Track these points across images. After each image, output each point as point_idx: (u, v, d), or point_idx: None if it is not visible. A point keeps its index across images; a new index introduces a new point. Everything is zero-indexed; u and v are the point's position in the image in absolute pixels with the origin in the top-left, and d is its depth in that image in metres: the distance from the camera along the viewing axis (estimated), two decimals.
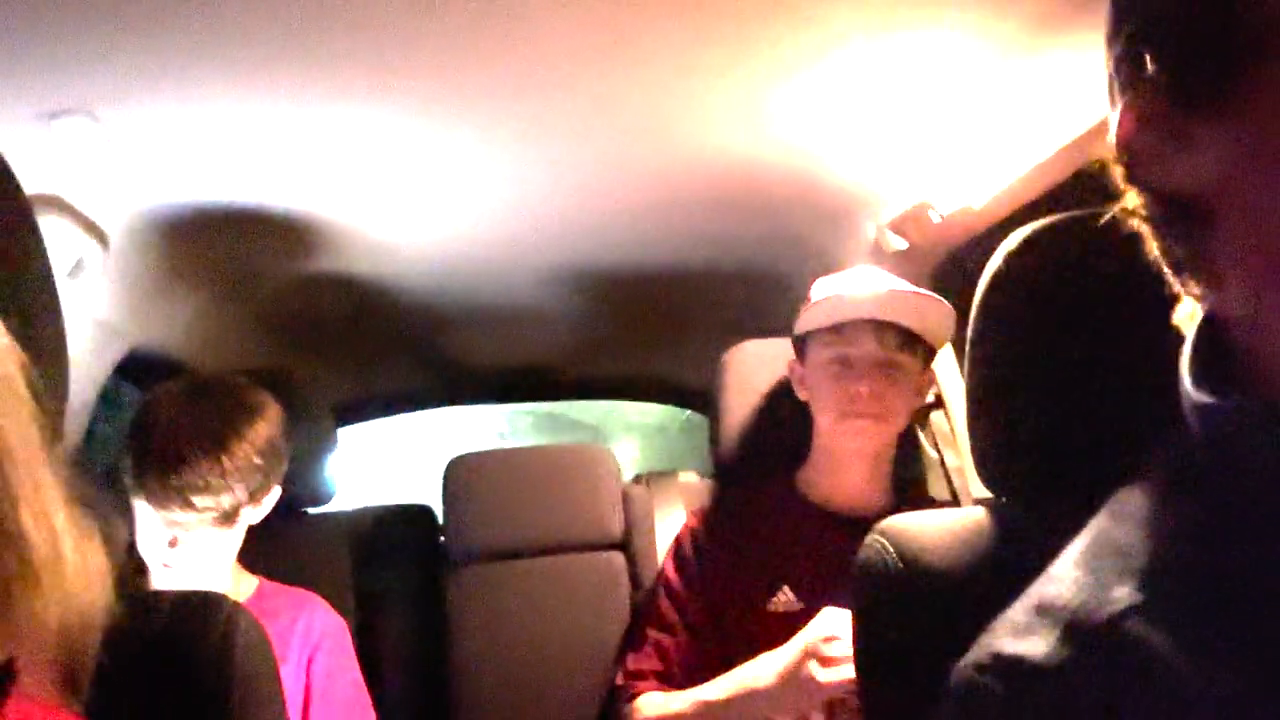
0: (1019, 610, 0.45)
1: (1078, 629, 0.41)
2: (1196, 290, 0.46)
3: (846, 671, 1.10)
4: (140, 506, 1.23)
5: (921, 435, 1.66)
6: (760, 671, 1.21)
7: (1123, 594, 0.42)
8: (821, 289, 1.38)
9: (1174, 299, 0.48)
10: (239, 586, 1.38)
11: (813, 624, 1.17)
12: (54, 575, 0.44)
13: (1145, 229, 0.47)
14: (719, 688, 1.26)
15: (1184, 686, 0.38)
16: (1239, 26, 0.40)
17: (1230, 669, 0.38)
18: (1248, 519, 0.42)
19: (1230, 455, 0.44)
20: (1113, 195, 0.48)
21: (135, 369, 1.61)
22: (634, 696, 1.34)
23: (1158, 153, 0.44)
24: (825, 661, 1.13)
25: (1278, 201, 0.40)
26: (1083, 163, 1.14)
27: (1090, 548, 0.46)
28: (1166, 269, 0.47)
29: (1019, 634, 0.43)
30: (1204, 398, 0.44)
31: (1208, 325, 0.47)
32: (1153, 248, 0.47)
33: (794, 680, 1.15)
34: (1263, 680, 0.38)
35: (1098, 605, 0.42)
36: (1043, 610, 0.43)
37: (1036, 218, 0.73)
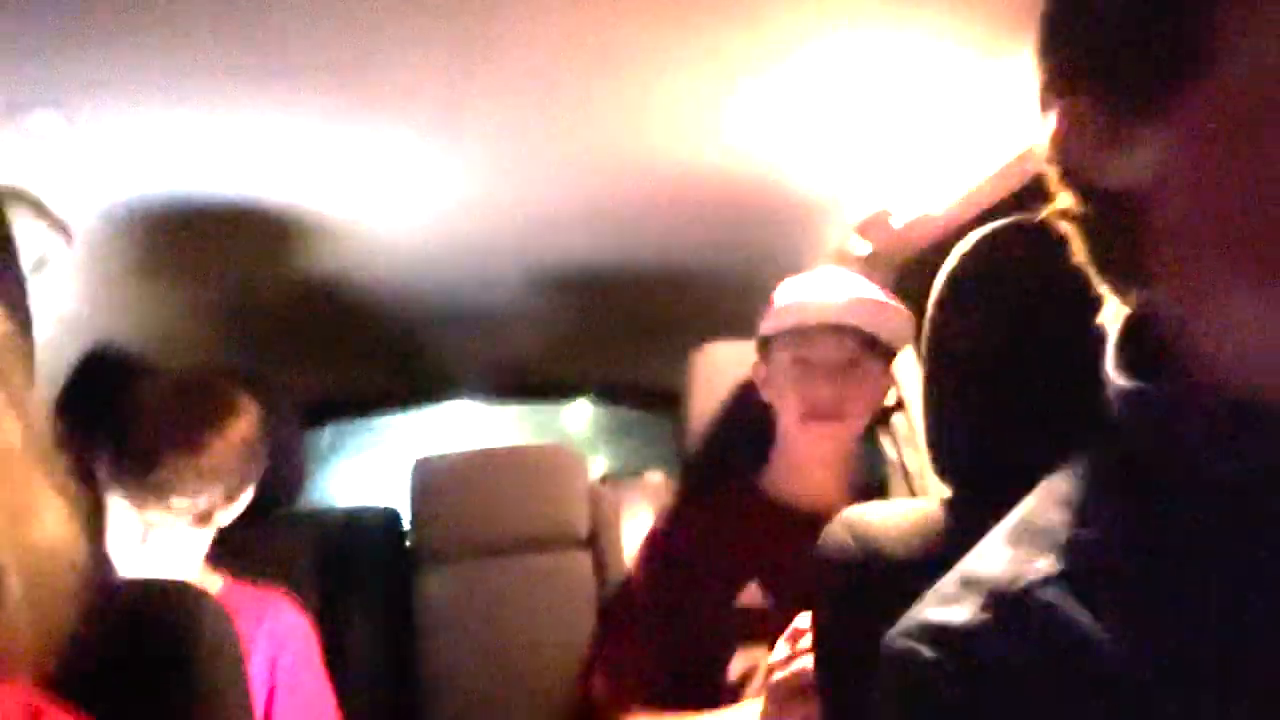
0: (947, 583, 0.47)
1: (997, 596, 0.44)
2: (1123, 288, 0.49)
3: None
4: (114, 502, 1.23)
5: (882, 437, 1.69)
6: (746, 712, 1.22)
7: (1043, 565, 0.44)
8: (785, 293, 1.41)
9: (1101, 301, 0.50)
10: (205, 585, 1.37)
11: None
12: (31, 562, 0.45)
13: (1073, 230, 0.49)
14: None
15: (1103, 657, 0.40)
16: (1181, 36, 0.42)
17: (1152, 645, 0.41)
18: (1169, 500, 0.45)
19: (1152, 438, 0.46)
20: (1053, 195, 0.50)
21: (98, 366, 1.59)
22: (617, 706, 1.35)
23: (1091, 155, 0.46)
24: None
25: (1212, 202, 0.42)
26: (1039, 168, 1.17)
27: (1017, 525, 0.48)
28: (1092, 269, 0.49)
29: (945, 603, 0.45)
30: (1128, 383, 0.46)
31: (1133, 321, 0.49)
32: (1078, 249, 0.49)
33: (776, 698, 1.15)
34: (1185, 659, 0.40)
35: (1017, 575, 0.44)
36: (967, 582, 0.46)
37: (995, 222, 0.76)
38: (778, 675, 1.08)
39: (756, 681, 1.27)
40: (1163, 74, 0.43)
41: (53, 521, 0.47)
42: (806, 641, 1.13)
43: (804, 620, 1.15)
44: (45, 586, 0.46)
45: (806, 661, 1.07)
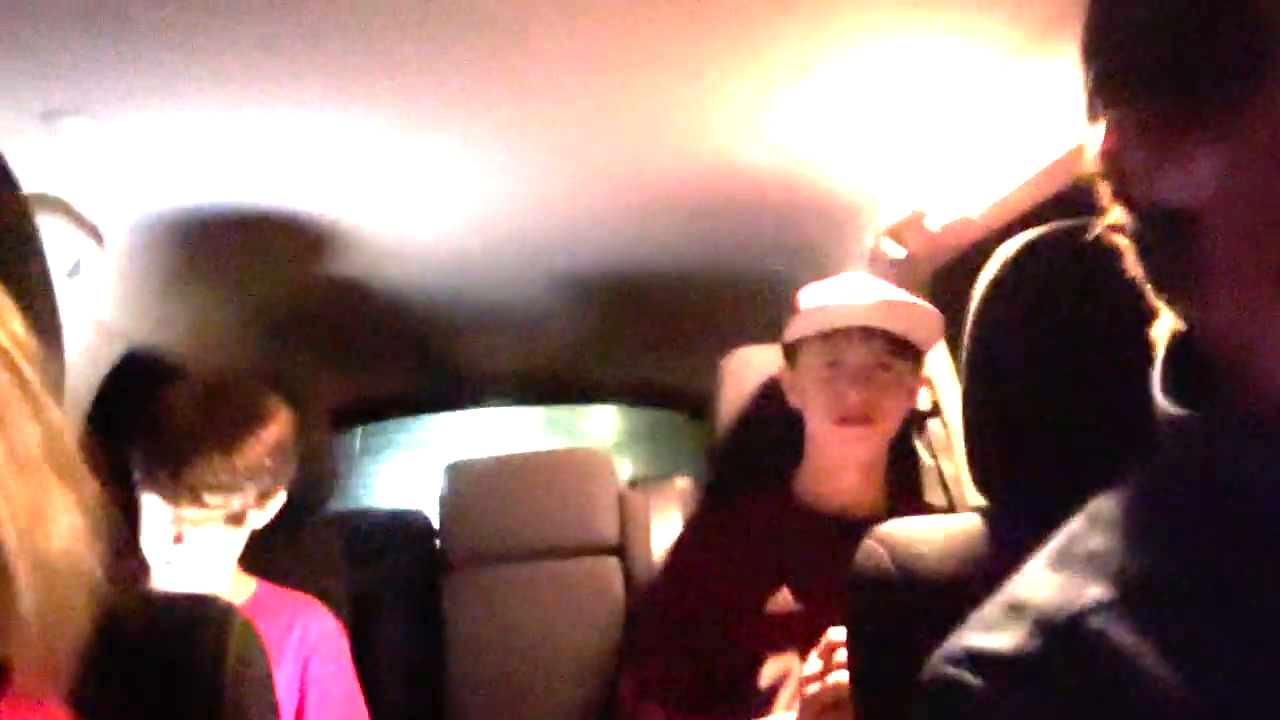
0: (991, 608, 0.45)
1: (1045, 624, 0.42)
2: (1175, 305, 0.46)
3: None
4: (148, 501, 1.24)
5: (918, 443, 1.67)
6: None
7: (1093, 592, 0.42)
8: (810, 297, 1.39)
9: (1154, 313, 0.48)
10: (238, 589, 1.38)
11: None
12: (44, 572, 0.44)
13: (1126, 243, 0.47)
14: None
15: (1157, 687, 0.39)
16: (1245, 45, 0.40)
17: (1208, 674, 0.39)
18: (1223, 530, 0.43)
19: (1200, 466, 0.44)
20: (1103, 207, 0.48)
21: (133, 370, 1.61)
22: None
23: (1145, 168, 0.44)
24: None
25: (1271, 217, 0.41)
26: (1080, 173, 1.14)
27: (1063, 549, 0.46)
28: (1147, 283, 0.47)
29: (990, 629, 0.44)
30: (1175, 410, 0.44)
31: (1181, 340, 0.47)
32: (1131, 263, 0.47)
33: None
34: (1243, 694, 0.38)
35: (1066, 602, 0.42)
36: (1013, 607, 0.44)
37: (1034, 227, 0.74)
38: (811, 689, 1.06)
39: (789, 689, 1.25)
40: (1225, 84, 0.41)
41: (69, 531, 0.46)
42: (841, 655, 1.11)
43: (838, 633, 1.13)
44: (58, 596, 0.45)
45: (841, 676, 1.05)
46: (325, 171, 1.35)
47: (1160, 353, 0.48)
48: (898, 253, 1.51)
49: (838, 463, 1.38)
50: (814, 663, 1.08)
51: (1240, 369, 0.43)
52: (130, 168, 1.26)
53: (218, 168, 1.30)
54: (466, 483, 1.83)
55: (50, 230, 1.24)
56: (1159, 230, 0.45)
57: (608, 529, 1.81)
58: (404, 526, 1.84)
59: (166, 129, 1.17)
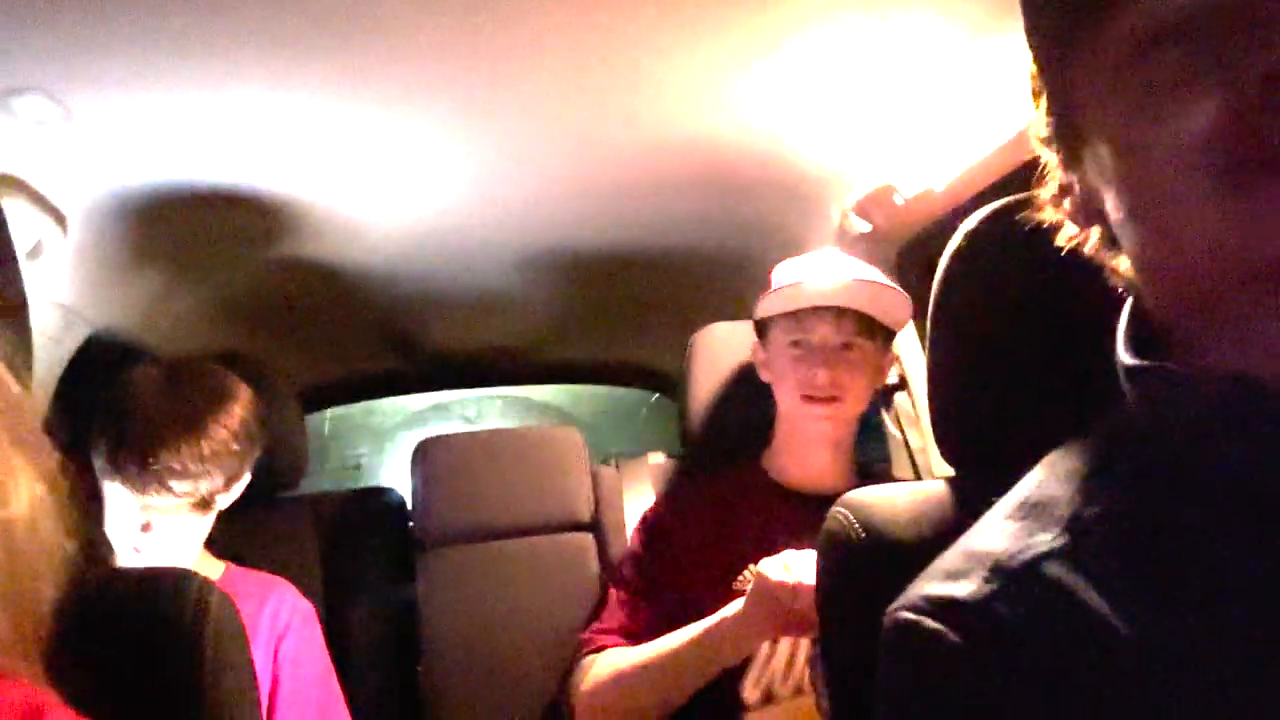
0: (949, 558, 0.47)
1: (1000, 570, 0.44)
2: (1110, 266, 0.49)
3: (803, 576, 1.13)
4: (113, 489, 1.22)
5: (885, 416, 1.69)
6: (723, 613, 1.23)
7: (1045, 539, 0.44)
8: (782, 275, 1.40)
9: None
10: (205, 572, 1.37)
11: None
12: (5, 544, 0.44)
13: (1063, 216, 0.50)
14: (682, 633, 1.26)
15: (1107, 630, 0.40)
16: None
17: (1157, 618, 0.40)
18: (1175, 477, 0.44)
19: (1156, 415, 0.46)
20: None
21: (95, 354, 1.59)
22: (598, 650, 1.35)
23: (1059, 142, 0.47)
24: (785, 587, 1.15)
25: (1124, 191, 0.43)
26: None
27: (1020, 501, 0.48)
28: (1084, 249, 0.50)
29: (948, 577, 0.45)
30: (1132, 360, 0.46)
31: (1139, 302, 0.49)
32: (1065, 234, 0.50)
33: (761, 597, 1.16)
34: (1190, 635, 0.40)
35: (1020, 549, 0.44)
36: (970, 556, 0.46)
37: (1000, 199, 0.75)
38: (772, 579, 1.13)
39: (754, 669, 1.27)
40: (1056, 34, 0.46)
41: (30, 504, 0.46)
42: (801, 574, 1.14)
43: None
44: (20, 565, 0.45)
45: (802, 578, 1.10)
46: (290, 153, 1.33)
47: (1123, 315, 0.49)
48: (864, 228, 1.52)
49: (807, 439, 1.40)
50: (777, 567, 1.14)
51: (1173, 329, 0.45)
52: (91, 147, 1.24)
53: (181, 148, 1.28)
54: (437, 461, 1.83)
55: (11, 212, 1.22)
56: (1082, 200, 0.48)
57: (580, 506, 1.82)
58: (376, 506, 1.84)
59: (127, 108, 1.15)
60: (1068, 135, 0.46)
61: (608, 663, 1.32)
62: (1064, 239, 0.50)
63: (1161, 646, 0.40)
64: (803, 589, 1.12)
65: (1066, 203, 0.49)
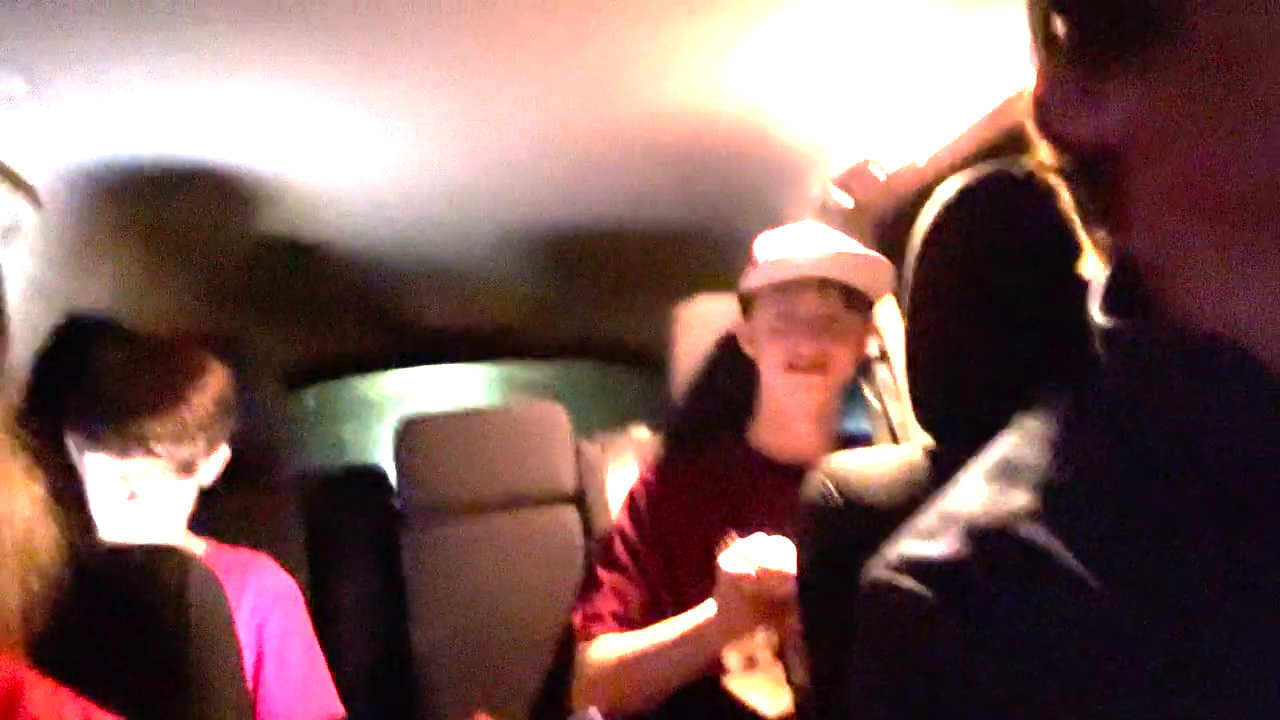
0: (925, 518, 0.48)
1: (974, 531, 0.44)
2: (1102, 237, 0.49)
3: (764, 561, 1.15)
4: (93, 461, 1.23)
5: (866, 388, 1.70)
6: (705, 606, 1.25)
7: (1020, 501, 0.45)
8: (765, 248, 1.41)
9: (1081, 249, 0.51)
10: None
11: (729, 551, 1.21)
12: (8, 532, 0.44)
13: (1057, 180, 0.50)
14: (671, 627, 1.29)
15: (1079, 594, 0.41)
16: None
17: (1129, 582, 0.41)
18: (1148, 438, 0.45)
19: (1136, 377, 0.46)
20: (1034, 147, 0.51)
21: (71, 333, 1.57)
22: (591, 637, 1.37)
23: (1065, 109, 0.47)
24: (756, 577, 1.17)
25: (1184, 157, 0.43)
26: (1022, 118, 1.16)
27: (994, 463, 0.49)
28: (1076, 218, 0.50)
29: (923, 537, 0.46)
30: (1113, 322, 0.47)
31: (1118, 268, 0.49)
32: (1064, 199, 0.50)
33: (728, 592, 1.19)
34: (1162, 597, 0.41)
35: (994, 510, 0.45)
36: (945, 517, 0.46)
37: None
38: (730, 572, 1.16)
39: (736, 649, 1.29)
40: (1133, 34, 0.43)
41: (28, 490, 0.46)
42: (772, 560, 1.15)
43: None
44: (26, 555, 0.45)
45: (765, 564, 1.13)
46: (267, 129, 1.32)
47: (1097, 281, 0.50)
48: (845, 202, 1.52)
49: (791, 411, 1.41)
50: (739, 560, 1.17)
51: (1161, 296, 0.46)
52: (63, 125, 1.22)
53: (152, 125, 1.27)
54: (420, 438, 1.83)
55: None
56: (1080, 168, 0.48)
57: (565, 480, 1.82)
58: (360, 483, 1.84)
59: (99, 86, 1.13)
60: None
61: (604, 653, 1.34)
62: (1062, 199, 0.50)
63: (1134, 609, 0.41)
64: (766, 575, 1.13)
65: (1066, 161, 0.48)
